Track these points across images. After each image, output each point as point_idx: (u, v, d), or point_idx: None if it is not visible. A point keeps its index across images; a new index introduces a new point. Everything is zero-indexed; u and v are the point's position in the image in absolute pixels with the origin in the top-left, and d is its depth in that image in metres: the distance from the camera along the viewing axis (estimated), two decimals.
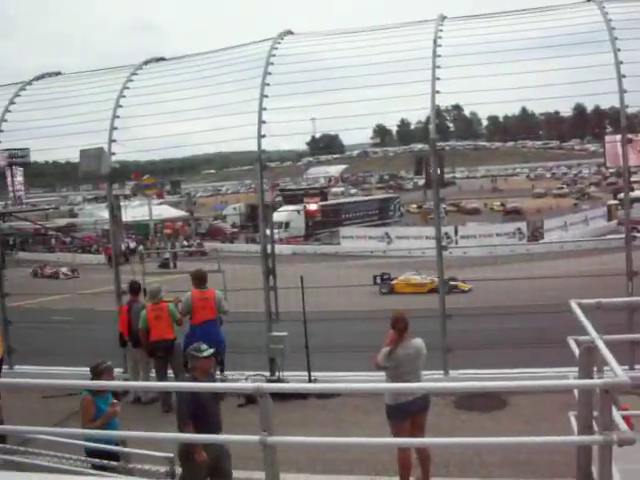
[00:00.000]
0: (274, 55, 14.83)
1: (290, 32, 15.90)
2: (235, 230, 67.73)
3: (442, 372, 13.30)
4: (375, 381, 11.68)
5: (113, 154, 15.49)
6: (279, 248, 15.18)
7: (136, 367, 14.62)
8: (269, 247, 14.71)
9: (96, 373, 8.90)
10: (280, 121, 15.01)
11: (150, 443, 8.05)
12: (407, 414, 8.87)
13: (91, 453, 8.40)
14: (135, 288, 14.79)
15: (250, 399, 12.75)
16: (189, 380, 8.56)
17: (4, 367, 14.19)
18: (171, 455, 8.10)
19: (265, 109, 14.23)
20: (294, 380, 13.35)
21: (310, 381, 13.44)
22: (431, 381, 11.99)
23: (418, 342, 9.27)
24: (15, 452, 8.60)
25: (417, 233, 54.65)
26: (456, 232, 51.22)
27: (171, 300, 14.06)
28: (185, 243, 58.60)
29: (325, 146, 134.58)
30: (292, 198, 71.81)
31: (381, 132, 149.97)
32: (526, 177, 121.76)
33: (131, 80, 16.19)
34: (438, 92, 13.54)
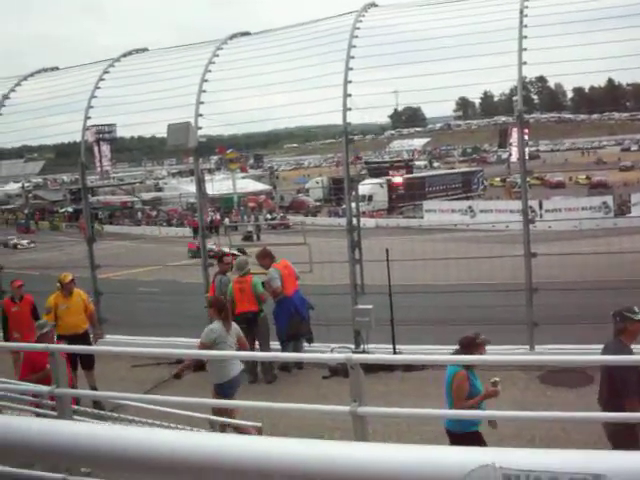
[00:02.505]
0: (358, 28, 14.69)
1: (374, 4, 15.75)
2: (318, 203, 67.87)
3: (527, 347, 13.12)
4: None
5: (200, 128, 15.65)
6: (362, 221, 15.13)
7: None
8: (354, 220, 14.70)
9: (472, 345, 7.76)
10: (363, 94, 14.92)
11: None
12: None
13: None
14: (221, 259, 14.99)
15: (334, 371, 12.83)
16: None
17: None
18: (259, 424, 8.20)
19: (350, 82, 14.13)
20: (379, 352, 13.35)
21: (395, 353, 13.42)
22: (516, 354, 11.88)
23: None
24: (108, 418, 8.83)
25: (501, 207, 54.02)
26: (541, 206, 50.26)
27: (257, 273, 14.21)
28: (268, 216, 59.03)
29: (408, 119, 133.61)
30: (377, 171, 71.59)
31: (464, 105, 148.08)
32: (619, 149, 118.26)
33: (217, 55, 16.28)
34: (525, 63, 13.23)
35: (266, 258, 14.38)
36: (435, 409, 7.09)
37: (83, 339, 13.17)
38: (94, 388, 12.50)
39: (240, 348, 10.45)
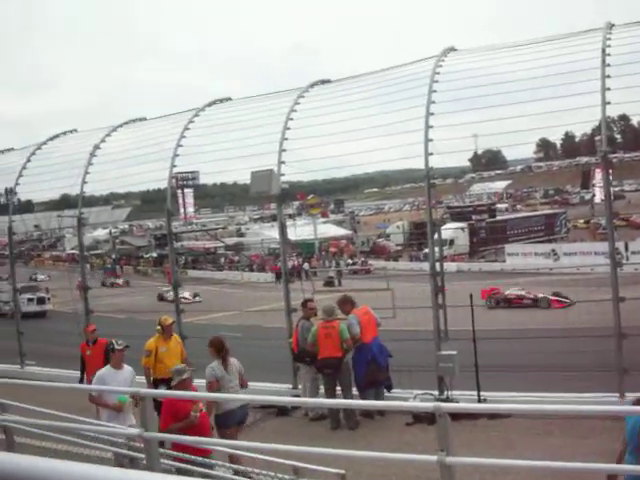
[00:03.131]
0: (438, 73, 14.76)
1: (453, 49, 15.84)
2: (399, 248, 67.69)
3: (617, 394, 12.74)
4: (547, 402, 11.40)
5: (282, 175, 15.89)
6: (444, 265, 15.04)
7: (305, 383, 14.88)
8: (437, 265, 14.64)
9: None
10: (443, 138, 14.92)
11: (318, 459, 8.16)
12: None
13: None
14: (305, 305, 15.03)
15: (417, 418, 12.70)
16: None
17: None
18: (343, 472, 8.16)
19: (432, 127, 14.18)
20: (463, 400, 13.16)
21: (479, 401, 13.23)
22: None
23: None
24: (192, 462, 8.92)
25: (585, 249, 52.99)
26: (627, 248, 49.08)
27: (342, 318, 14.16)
28: (349, 261, 59.10)
29: (488, 162, 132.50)
30: (459, 215, 71.19)
31: (545, 146, 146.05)
32: None
33: (298, 103, 16.55)
34: (609, 103, 13.08)
35: (347, 304, 14.38)
36: (525, 460, 6.94)
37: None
38: None
39: (242, 385, 11.19)
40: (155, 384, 13.06)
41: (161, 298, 42.47)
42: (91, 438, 9.21)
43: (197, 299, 41.33)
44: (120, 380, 10.44)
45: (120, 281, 49.67)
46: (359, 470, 9.19)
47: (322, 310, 14.36)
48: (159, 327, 13.53)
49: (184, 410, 8.39)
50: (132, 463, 8.04)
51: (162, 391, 11.06)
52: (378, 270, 41.06)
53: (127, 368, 10.89)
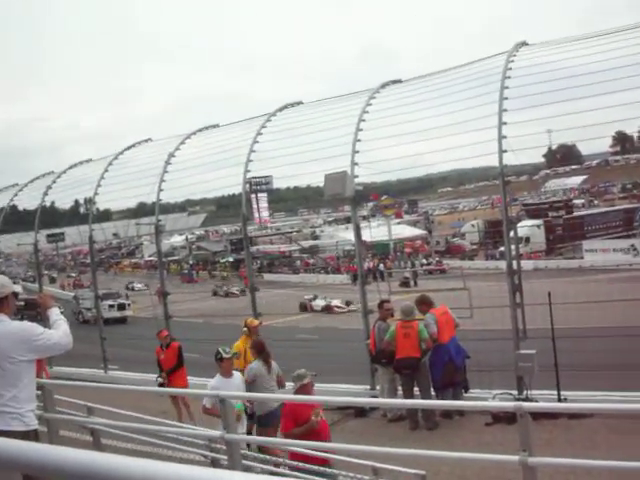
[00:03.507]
0: (510, 68, 14.59)
1: (525, 43, 15.64)
2: (474, 247, 67.09)
3: None
4: (630, 401, 11.16)
5: (356, 177, 15.91)
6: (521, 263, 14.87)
7: (383, 384, 14.86)
8: (514, 263, 14.48)
9: None
10: (517, 135, 14.75)
11: (397, 460, 8.15)
12: None
13: None
14: (381, 305, 14.97)
15: (496, 418, 12.57)
16: None
17: None
18: (423, 472, 8.14)
19: (505, 123, 14.04)
20: (542, 399, 12.98)
21: (560, 400, 13.03)
22: None
23: None
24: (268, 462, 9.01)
25: None
26: None
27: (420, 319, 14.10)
28: (424, 261, 58.81)
29: (562, 157, 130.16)
30: (535, 212, 70.10)
31: (621, 139, 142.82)
32: None
33: (370, 104, 16.54)
34: None
35: (424, 304, 14.30)
36: (608, 460, 6.82)
37: None
38: None
39: (279, 385, 11.81)
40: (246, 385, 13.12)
41: (304, 307, 42.20)
42: (173, 440, 9.40)
43: (352, 307, 38.47)
44: (233, 388, 10.29)
45: (236, 290, 49.28)
46: (438, 470, 9.15)
47: (401, 310, 14.24)
48: (245, 329, 13.60)
49: (304, 415, 8.31)
50: (214, 465, 8.16)
51: (242, 393, 11.11)
52: (453, 269, 40.67)
53: (236, 375, 10.90)
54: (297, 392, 8.97)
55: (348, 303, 40.59)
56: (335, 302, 42.36)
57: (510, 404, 6.52)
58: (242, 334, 13.63)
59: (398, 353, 13.59)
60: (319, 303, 42.87)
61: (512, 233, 15.11)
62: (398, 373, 13.97)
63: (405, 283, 42.24)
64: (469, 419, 13.23)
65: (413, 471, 8.02)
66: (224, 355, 10.67)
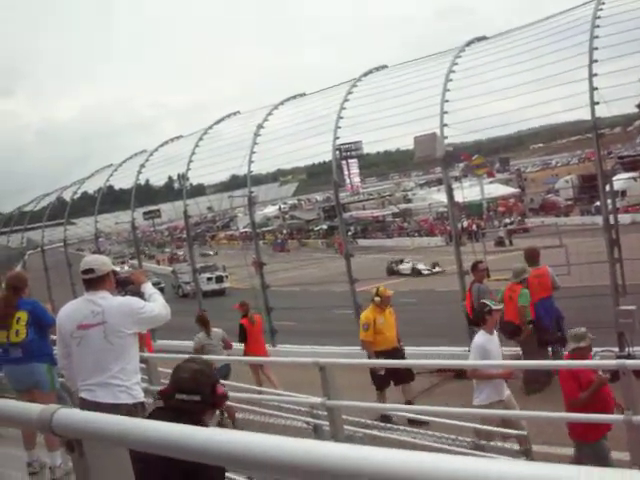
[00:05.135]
0: (599, 17, 14.13)
1: None
2: (569, 203, 65.64)
3: None
4: None
5: (445, 138, 15.76)
6: (618, 218, 14.50)
7: None
8: (611, 218, 14.12)
9: None
10: (609, 86, 14.31)
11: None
12: None
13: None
14: (475, 267, 14.74)
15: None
16: None
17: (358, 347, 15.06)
18: (525, 433, 8.11)
19: (596, 75, 13.65)
20: None
21: None
22: None
23: None
24: (370, 426, 9.12)
25: None
26: None
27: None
28: (507, 221, 57.75)
29: None
30: (631, 164, 68.04)
31: None
32: None
33: (456, 63, 16.34)
34: None
35: (527, 258, 13.96)
36: None
37: (400, 353, 13.17)
38: (410, 402, 12.16)
39: (226, 347, 13.71)
40: (376, 357, 12.86)
41: (391, 271, 42.00)
42: (275, 408, 9.59)
43: (437, 269, 40.03)
44: (496, 345, 9.39)
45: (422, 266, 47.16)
46: (541, 431, 9.10)
47: (513, 270, 13.64)
48: (378, 298, 13.01)
49: (586, 378, 7.48)
50: (316, 432, 8.28)
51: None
52: (549, 227, 39.93)
53: (495, 333, 9.65)
54: (572, 354, 7.91)
55: (434, 265, 40.97)
56: (421, 265, 42.73)
57: (613, 362, 6.39)
58: (371, 303, 13.18)
59: (504, 315, 13.23)
60: (406, 266, 43.17)
61: (608, 187, 14.75)
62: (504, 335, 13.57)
63: (500, 243, 41.77)
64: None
65: (515, 432, 8.01)
66: (493, 307, 9.46)
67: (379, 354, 12.59)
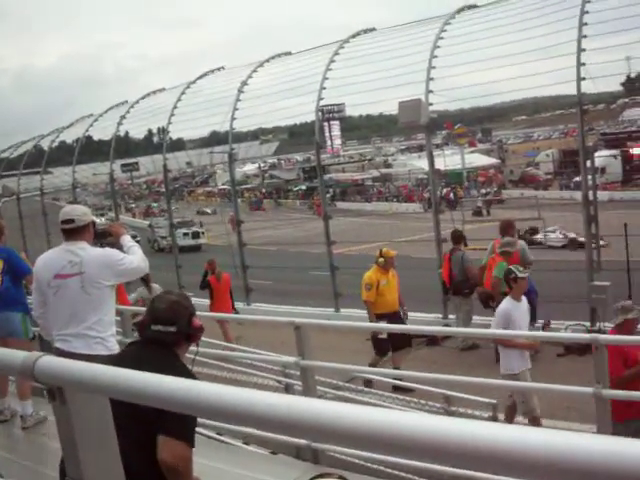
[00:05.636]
0: None
1: None
2: (549, 177, 65.86)
3: None
4: None
5: (430, 104, 15.74)
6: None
7: (458, 314, 14.82)
8: (590, 194, 14.20)
9: None
10: (596, 62, 14.32)
11: (469, 389, 8.24)
12: None
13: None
14: (457, 236, 14.84)
15: (568, 349, 12.54)
16: None
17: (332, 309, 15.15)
18: (494, 401, 8.22)
19: (584, 50, 13.64)
20: None
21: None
22: None
23: None
24: (341, 388, 9.23)
25: None
26: None
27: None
28: (482, 191, 57.87)
29: None
30: (612, 142, 68.25)
31: None
32: None
33: (444, 30, 16.30)
34: None
35: (500, 229, 13.98)
36: None
37: (399, 318, 12.79)
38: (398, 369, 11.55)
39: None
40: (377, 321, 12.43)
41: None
42: (247, 366, 9.66)
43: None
44: (523, 313, 9.12)
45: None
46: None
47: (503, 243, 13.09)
48: (381, 259, 12.59)
49: (632, 355, 7.18)
50: (288, 391, 8.35)
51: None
52: (526, 199, 40.09)
53: (524, 300, 9.33)
54: (619, 326, 7.55)
55: None
56: None
57: (586, 336, 6.47)
58: (374, 264, 12.77)
59: (485, 284, 13.18)
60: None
61: (589, 163, 14.83)
62: (483, 305, 13.50)
63: (478, 212, 41.93)
64: (541, 350, 13.17)
65: (485, 400, 8.12)
66: (519, 274, 9.13)
67: (380, 317, 12.25)
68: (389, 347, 12.26)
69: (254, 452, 7.13)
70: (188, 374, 3.86)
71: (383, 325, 11.67)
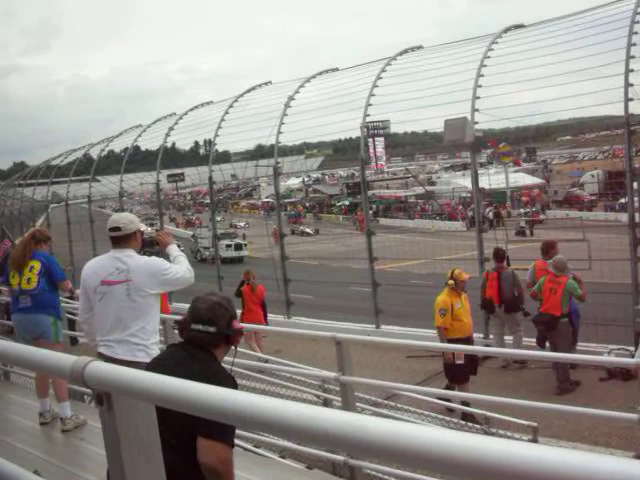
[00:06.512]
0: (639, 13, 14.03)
1: None
2: (593, 198, 65.15)
3: None
4: None
5: (476, 123, 15.72)
6: None
7: (501, 333, 14.72)
8: (637, 216, 14.03)
9: None
10: None
11: (512, 410, 8.16)
12: None
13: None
14: (500, 255, 14.66)
15: (611, 374, 12.36)
16: None
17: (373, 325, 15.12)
18: (535, 424, 8.13)
19: (632, 71, 13.52)
20: None
21: None
22: None
23: None
24: (380, 405, 9.18)
25: None
26: None
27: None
28: (521, 211, 57.35)
29: None
30: None
31: None
32: None
33: (491, 49, 16.30)
34: None
35: (541, 250, 13.87)
36: None
37: (471, 343, 12.30)
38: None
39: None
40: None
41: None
42: (286, 379, 9.67)
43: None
44: None
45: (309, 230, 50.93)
46: (550, 423, 9.13)
47: (553, 264, 13.07)
48: (452, 281, 11.88)
49: None
50: (326, 406, 8.35)
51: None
52: (571, 220, 39.72)
53: None
54: None
55: None
56: None
57: (631, 360, 6.36)
58: (445, 287, 12.03)
59: (542, 307, 12.92)
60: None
61: (635, 185, 14.66)
62: (535, 326, 13.17)
63: (521, 232, 41.59)
64: (581, 373, 12.99)
65: (526, 422, 8.03)
66: None
67: (455, 343, 11.37)
68: (469, 373, 11.51)
69: (290, 466, 7.15)
70: (226, 376, 3.92)
71: (431, 344, 11.41)
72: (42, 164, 39.61)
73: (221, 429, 3.58)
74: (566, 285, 12.57)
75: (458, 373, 11.32)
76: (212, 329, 4.01)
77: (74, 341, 12.76)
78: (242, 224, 59.32)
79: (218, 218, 59.72)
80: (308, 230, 52.26)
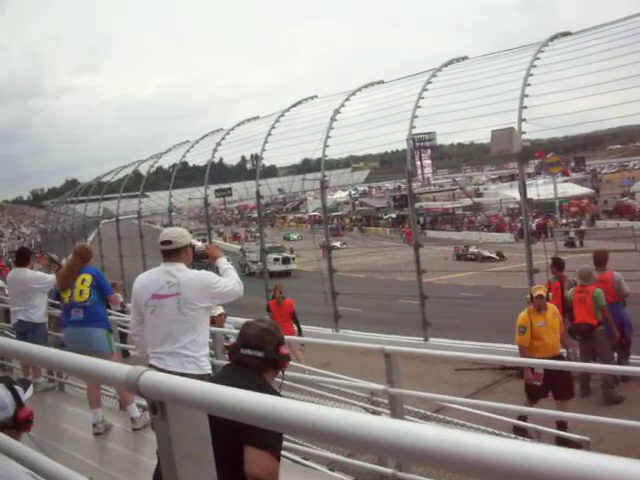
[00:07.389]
0: None
1: None
2: None
3: None
4: None
5: (523, 133, 15.61)
6: None
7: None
8: None
9: None
10: None
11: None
12: None
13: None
14: (560, 264, 14.18)
15: None
16: None
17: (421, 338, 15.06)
18: (587, 439, 8.03)
19: None
20: None
21: None
22: None
23: None
24: (433, 418, 9.16)
25: None
26: None
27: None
28: (564, 221, 56.67)
29: None
30: None
31: None
32: None
33: (538, 58, 16.19)
34: None
35: (594, 260, 13.62)
36: None
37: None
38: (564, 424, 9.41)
39: None
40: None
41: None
42: (333, 391, 9.68)
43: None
44: None
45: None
46: (603, 438, 8.99)
47: (578, 274, 13.01)
48: (528, 296, 11.48)
49: None
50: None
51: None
52: (623, 230, 39.18)
53: None
54: None
55: (499, 254, 43.16)
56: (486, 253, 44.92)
57: None
58: (527, 304, 11.45)
59: (575, 318, 12.69)
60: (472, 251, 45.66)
61: None
62: (571, 336, 12.79)
63: (570, 243, 41.16)
64: (635, 386, 12.77)
65: (577, 437, 7.94)
66: None
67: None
68: (542, 394, 10.94)
69: (338, 478, 7.16)
70: (275, 392, 3.97)
71: (479, 356, 11.28)
72: (93, 181, 40.36)
73: (269, 440, 3.62)
74: (593, 293, 12.36)
75: (531, 391, 10.98)
76: (260, 354, 4.10)
77: (125, 353, 12.98)
78: (295, 237, 59.63)
79: (294, 236, 60.49)
80: (336, 244, 52.18)
